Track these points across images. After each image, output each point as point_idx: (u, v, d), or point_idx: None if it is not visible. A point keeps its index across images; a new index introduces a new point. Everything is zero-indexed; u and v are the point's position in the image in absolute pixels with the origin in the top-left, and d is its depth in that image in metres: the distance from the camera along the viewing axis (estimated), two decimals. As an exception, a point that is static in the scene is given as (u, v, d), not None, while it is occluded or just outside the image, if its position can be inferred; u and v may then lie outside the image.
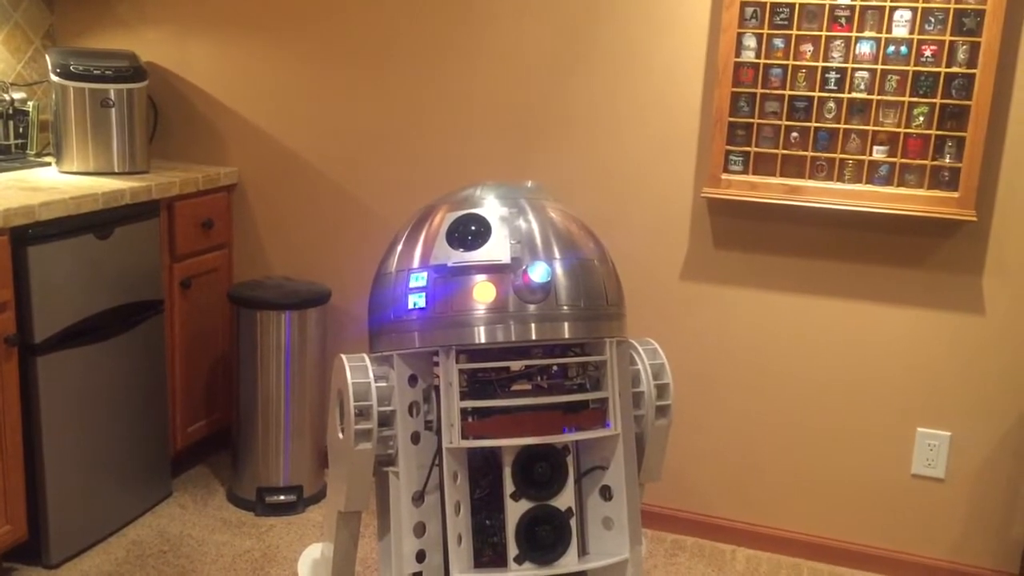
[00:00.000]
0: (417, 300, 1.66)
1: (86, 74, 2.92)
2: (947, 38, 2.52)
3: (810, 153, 2.68)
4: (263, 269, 3.32)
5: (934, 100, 2.56)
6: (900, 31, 2.55)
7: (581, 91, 2.90)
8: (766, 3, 2.62)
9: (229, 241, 3.31)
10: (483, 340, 1.61)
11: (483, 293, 1.62)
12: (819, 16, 2.60)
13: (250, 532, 2.93)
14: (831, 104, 2.64)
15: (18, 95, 3.14)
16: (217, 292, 3.23)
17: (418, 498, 1.69)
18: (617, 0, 2.82)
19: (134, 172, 3.00)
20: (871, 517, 2.88)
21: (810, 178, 2.69)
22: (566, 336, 1.64)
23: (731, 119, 2.71)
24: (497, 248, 1.64)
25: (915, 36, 2.54)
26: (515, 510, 1.63)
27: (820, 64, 2.62)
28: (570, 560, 1.65)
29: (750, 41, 2.66)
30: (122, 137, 2.98)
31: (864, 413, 2.83)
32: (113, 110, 2.96)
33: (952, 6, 2.49)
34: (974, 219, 2.57)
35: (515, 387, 1.70)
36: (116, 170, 2.98)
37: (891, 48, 2.57)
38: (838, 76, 2.62)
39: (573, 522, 1.66)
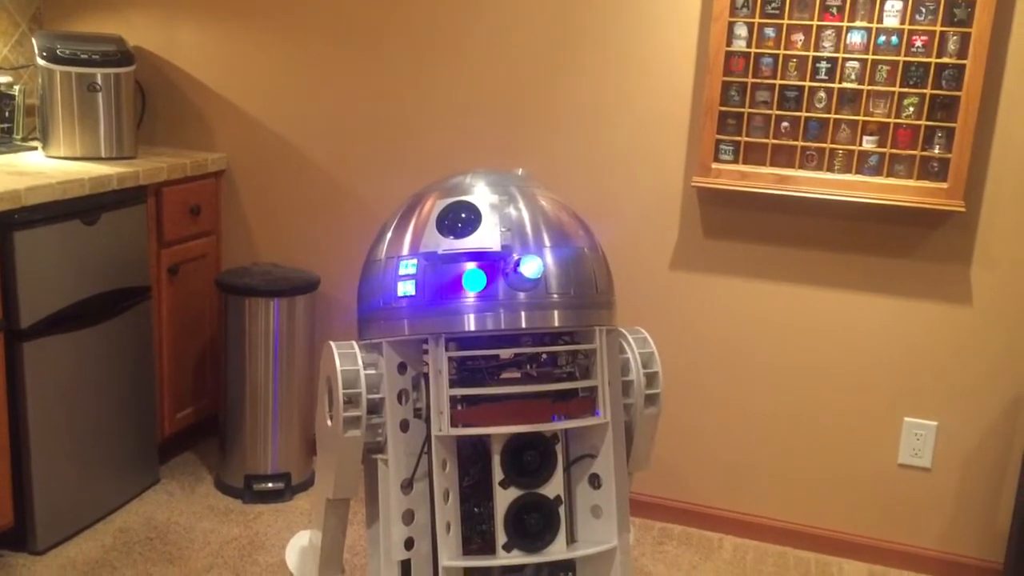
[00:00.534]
0: (407, 287, 1.65)
1: (73, 58, 2.90)
2: (938, 28, 2.52)
3: (800, 143, 2.68)
4: (251, 256, 3.31)
5: (924, 90, 2.56)
6: (891, 21, 2.55)
7: (572, 79, 2.89)
8: (758, -8, 2.62)
9: (217, 228, 3.30)
10: (472, 328, 1.61)
11: (473, 281, 1.61)
12: (810, 6, 2.60)
13: (238, 519, 2.92)
14: (822, 94, 2.64)
15: (4, 79, 3.12)
16: (205, 279, 3.21)
17: (407, 486, 1.68)
18: (608, -12, 2.81)
19: (121, 157, 2.98)
20: (858, 506, 2.89)
21: (800, 168, 2.69)
22: (556, 324, 1.64)
23: (722, 108, 2.70)
24: (487, 236, 1.64)
25: (906, 26, 2.54)
26: (504, 498, 1.63)
27: (811, 54, 2.62)
28: (558, 548, 1.65)
29: (741, 30, 2.65)
30: (109, 122, 2.96)
31: (851, 402, 2.84)
32: (100, 95, 2.93)
33: (943, -4, 2.50)
34: (962, 210, 2.58)
35: (504, 375, 1.69)
36: (103, 155, 2.96)
37: (882, 38, 2.57)
38: (829, 66, 2.61)
39: (562, 510, 1.66)
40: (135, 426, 2.94)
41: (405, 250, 1.68)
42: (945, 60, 2.53)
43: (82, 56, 2.91)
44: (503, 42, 2.93)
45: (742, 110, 2.70)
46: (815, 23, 2.60)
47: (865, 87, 2.60)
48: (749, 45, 2.66)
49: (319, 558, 1.89)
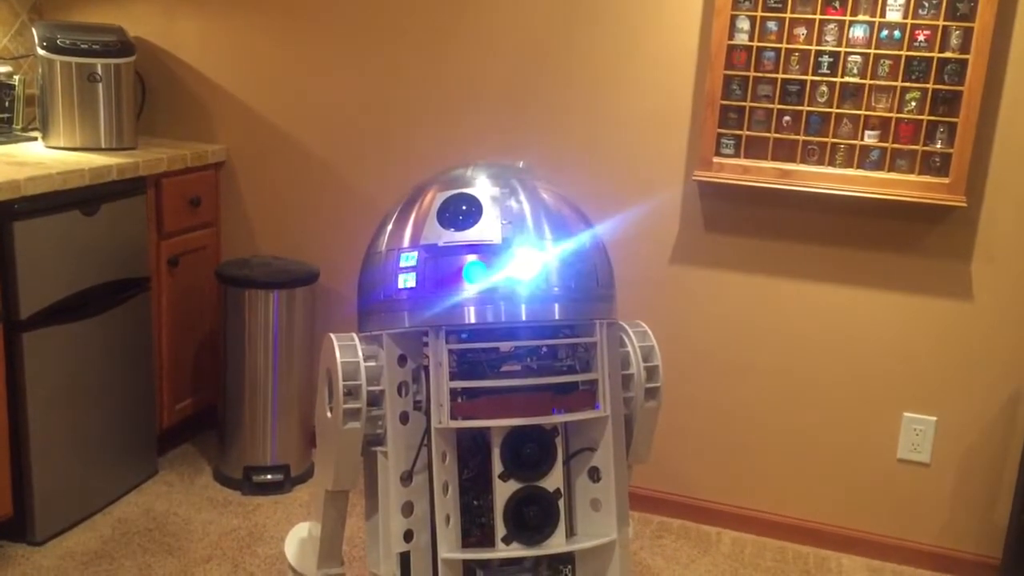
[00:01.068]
0: (407, 280, 1.65)
1: (73, 48, 2.89)
2: (940, 23, 2.51)
3: (802, 137, 2.67)
4: (251, 248, 3.30)
5: (926, 85, 2.56)
6: (894, 15, 2.54)
7: (574, 72, 2.89)
8: (760, -15, 2.61)
9: (217, 219, 3.29)
10: (473, 320, 1.60)
11: (474, 273, 1.61)
12: (813, -1, 2.59)
13: (237, 511, 2.93)
14: (823, 88, 2.64)
15: (4, 69, 3.11)
16: (204, 270, 3.21)
17: (406, 478, 1.68)
18: (610, -20, 2.80)
19: (121, 148, 2.97)
20: (856, 501, 2.89)
21: (801, 162, 2.69)
22: (556, 317, 1.64)
23: (723, 102, 2.70)
24: (488, 228, 1.63)
25: (908, 21, 2.53)
26: (503, 491, 1.63)
27: (813, 48, 2.61)
28: (558, 541, 1.65)
29: (743, 24, 2.65)
30: (109, 112, 2.95)
31: (851, 397, 2.84)
32: (100, 85, 2.93)
33: (946, -9, 2.49)
34: (964, 205, 2.57)
35: (505, 368, 1.69)
36: (103, 146, 2.95)
37: (884, 32, 2.56)
38: (831, 60, 2.61)
39: (561, 503, 1.66)
40: (134, 417, 2.94)
41: (406, 242, 1.67)
42: (947, 55, 2.53)
43: (82, 46, 2.90)
44: (505, 35, 2.92)
45: (744, 104, 2.69)
46: (817, 17, 2.59)
47: (867, 81, 2.60)
48: (751, 39, 2.65)
49: (318, 550, 1.89)
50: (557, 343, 1.70)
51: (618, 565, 1.69)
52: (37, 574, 2.55)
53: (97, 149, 2.93)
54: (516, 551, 1.63)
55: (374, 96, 3.09)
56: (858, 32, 2.58)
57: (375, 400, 1.68)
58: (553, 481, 1.65)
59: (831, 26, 2.59)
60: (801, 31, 2.62)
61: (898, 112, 2.60)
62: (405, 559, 1.69)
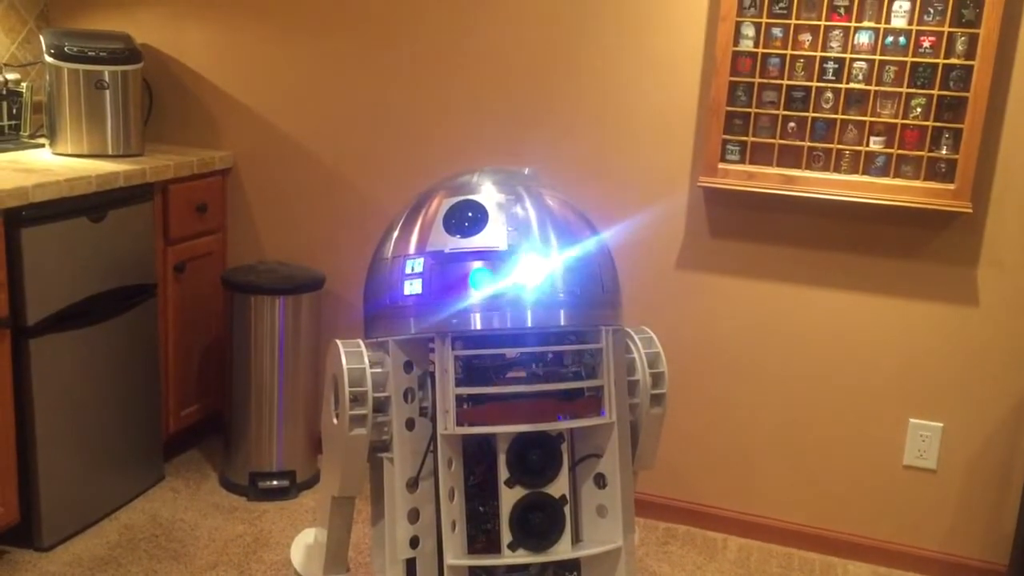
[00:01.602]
0: (413, 286, 1.65)
1: (80, 55, 2.90)
2: (946, 29, 2.51)
3: (807, 143, 2.67)
4: (257, 254, 3.31)
5: (932, 91, 2.56)
6: (899, 22, 2.55)
7: (580, 78, 2.89)
8: (765, -8, 2.62)
9: (223, 225, 3.30)
10: (479, 327, 1.61)
11: (479, 280, 1.61)
12: (818, 6, 2.59)
13: (242, 517, 2.93)
14: (829, 94, 2.64)
15: (12, 76, 3.12)
16: (211, 276, 3.22)
17: (412, 484, 1.69)
18: (616, -13, 2.81)
19: (128, 155, 2.98)
20: (863, 507, 2.89)
21: (807, 168, 2.69)
22: (562, 324, 1.64)
23: (729, 108, 2.70)
24: (494, 235, 1.64)
25: (914, 27, 2.54)
26: (509, 497, 1.63)
27: (818, 54, 2.61)
28: (563, 547, 1.65)
29: (749, 30, 2.65)
30: (116, 119, 2.96)
31: (857, 403, 2.84)
32: (107, 92, 2.94)
33: (951, -3, 2.49)
34: (969, 211, 2.57)
35: (510, 374, 1.69)
36: (110, 152, 2.96)
37: (890, 39, 2.56)
38: (836, 66, 2.61)
39: (567, 509, 1.66)
40: (140, 423, 2.95)
41: (412, 249, 1.68)
42: (953, 61, 2.53)
43: (90, 53, 2.91)
44: (511, 42, 2.93)
45: (749, 110, 2.69)
46: (823, 23, 2.60)
47: (872, 87, 2.60)
48: (756, 45, 2.65)
49: (324, 556, 1.89)
50: (563, 349, 1.70)
51: (624, 571, 1.69)
52: (43, 580, 2.55)
53: (104, 156, 2.94)
54: (522, 557, 1.63)
55: (379, 102, 3.10)
56: (863, 38, 2.58)
57: (381, 406, 1.69)
58: (559, 487, 1.65)
59: (836, 32, 2.60)
60: (806, 37, 2.62)
61: (903, 118, 2.60)
62: (411, 565, 1.69)
